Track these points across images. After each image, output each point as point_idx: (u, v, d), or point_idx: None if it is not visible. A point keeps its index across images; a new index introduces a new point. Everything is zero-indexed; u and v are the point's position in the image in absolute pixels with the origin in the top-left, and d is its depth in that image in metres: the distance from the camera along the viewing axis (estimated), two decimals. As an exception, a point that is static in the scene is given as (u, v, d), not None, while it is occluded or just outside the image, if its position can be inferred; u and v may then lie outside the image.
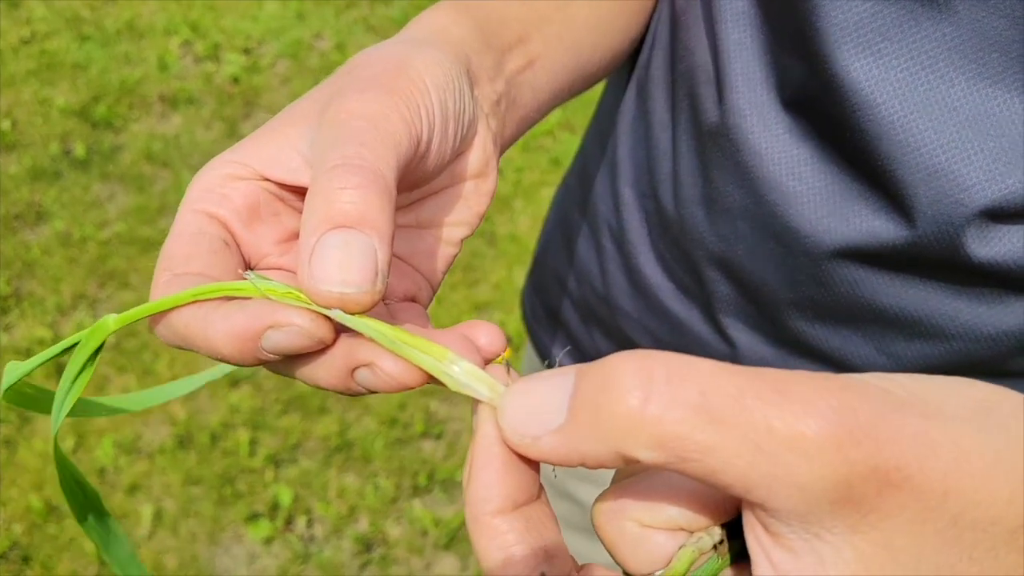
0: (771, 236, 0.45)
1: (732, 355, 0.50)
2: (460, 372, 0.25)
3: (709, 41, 0.46)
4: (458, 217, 0.35)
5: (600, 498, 0.25)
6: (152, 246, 1.81)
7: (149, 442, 1.50)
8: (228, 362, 0.28)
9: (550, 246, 0.63)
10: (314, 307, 0.26)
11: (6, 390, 0.31)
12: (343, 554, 1.39)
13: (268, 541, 1.40)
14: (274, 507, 1.44)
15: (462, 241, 0.36)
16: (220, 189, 0.31)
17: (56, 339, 1.63)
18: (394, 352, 0.26)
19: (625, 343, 0.57)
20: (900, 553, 0.20)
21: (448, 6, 0.38)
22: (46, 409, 0.33)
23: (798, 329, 0.47)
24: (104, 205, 1.90)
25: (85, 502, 0.34)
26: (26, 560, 1.35)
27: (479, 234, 1.90)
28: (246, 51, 2.31)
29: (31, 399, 0.33)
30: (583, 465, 0.22)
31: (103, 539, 0.35)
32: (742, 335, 0.50)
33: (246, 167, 0.32)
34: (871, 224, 0.42)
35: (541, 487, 0.25)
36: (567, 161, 2.04)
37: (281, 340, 0.27)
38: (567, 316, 0.61)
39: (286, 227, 0.33)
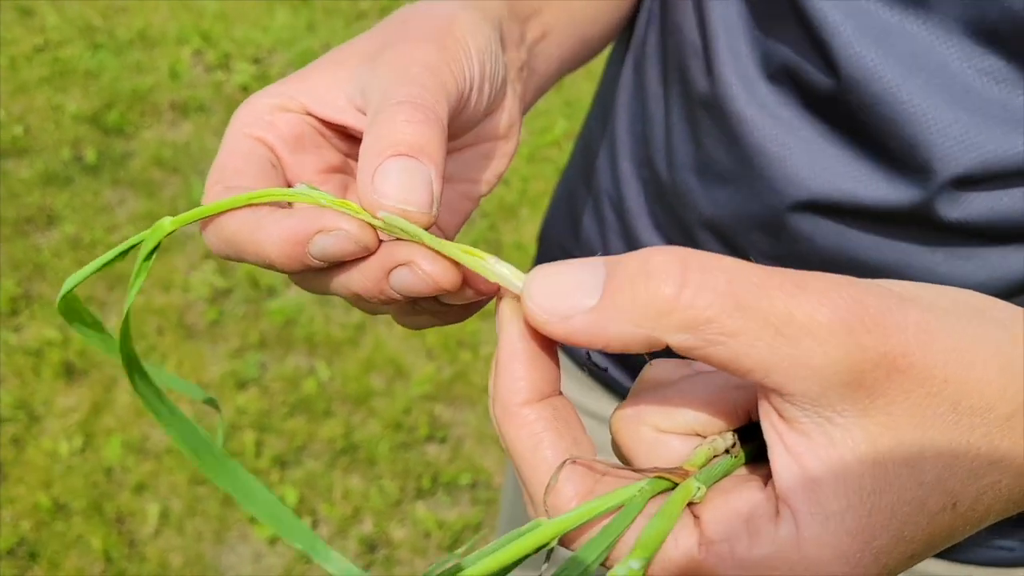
0: (755, 196, 0.47)
1: None
2: (497, 265, 0.27)
3: (696, 17, 0.48)
4: (480, 175, 0.37)
5: (619, 406, 0.27)
6: (160, 250, 1.81)
7: (156, 442, 1.52)
8: (274, 267, 0.30)
9: (555, 220, 0.65)
10: (364, 215, 0.28)
11: (61, 299, 0.32)
12: (347, 555, 1.40)
13: (273, 541, 1.40)
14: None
15: (480, 198, 0.38)
16: (267, 116, 0.33)
17: (65, 341, 1.65)
18: (435, 250, 0.28)
19: None
20: (905, 435, 0.22)
21: None
22: (92, 333, 0.33)
23: None
24: (114, 210, 1.92)
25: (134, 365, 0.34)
26: (33, 557, 1.36)
27: (484, 241, 1.91)
28: (256, 60, 2.34)
29: (79, 316, 0.33)
30: (606, 348, 0.23)
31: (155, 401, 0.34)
32: None
33: (293, 100, 0.33)
34: (852, 186, 0.44)
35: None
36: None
37: (329, 244, 0.28)
38: None
39: (327, 160, 0.35)
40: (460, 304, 0.31)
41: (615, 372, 0.61)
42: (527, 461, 0.25)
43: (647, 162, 0.54)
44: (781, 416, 0.23)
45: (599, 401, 0.63)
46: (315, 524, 1.44)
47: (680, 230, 0.53)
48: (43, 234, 1.85)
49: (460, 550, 0.26)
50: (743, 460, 0.26)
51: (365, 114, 0.32)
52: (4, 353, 1.62)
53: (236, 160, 0.32)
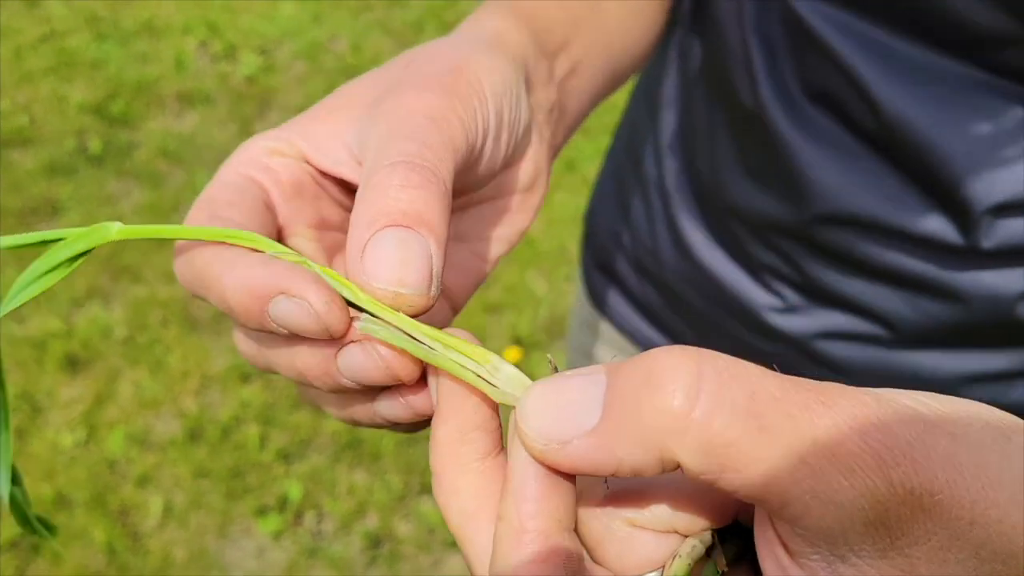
0: (790, 204, 0.47)
1: (774, 305, 0.52)
2: (505, 380, 0.23)
3: (739, 35, 0.47)
4: (498, 232, 0.33)
5: (586, 497, 0.24)
6: (164, 242, 1.81)
7: (160, 435, 1.51)
8: (234, 319, 0.26)
9: (603, 203, 0.64)
10: (354, 293, 0.25)
11: None
12: (352, 549, 1.39)
13: (277, 535, 1.40)
14: (283, 502, 1.44)
15: (498, 259, 0.33)
16: (264, 159, 0.30)
17: (69, 332, 1.64)
18: (426, 360, 0.24)
19: (672, 297, 0.58)
20: None
21: (500, 8, 0.36)
22: None
23: (830, 286, 0.49)
24: (119, 201, 1.91)
25: None
26: (35, 549, 1.35)
27: (491, 236, 1.90)
28: (262, 51, 2.33)
29: None
30: (616, 474, 0.21)
31: None
32: (782, 288, 0.51)
33: (291, 145, 0.30)
34: (888, 209, 0.44)
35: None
36: (582, 165, 2.04)
37: (288, 312, 0.24)
38: (621, 269, 0.62)
39: (323, 214, 0.31)
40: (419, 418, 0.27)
41: (650, 333, 0.60)
42: None
43: (690, 159, 0.54)
44: (786, 548, 0.21)
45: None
46: (319, 519, 1.43)
47: (718, 221, 0.53)
48: (47, 224, 1.84)
49: None
50: (725, 567, 0.23)
51: None
52: (7, 344, 1.61)
53: (228, 193, 0.29)
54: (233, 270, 0.26)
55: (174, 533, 1.39)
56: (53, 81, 2.18)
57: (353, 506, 1.44)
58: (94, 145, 2.01)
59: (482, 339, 0.25)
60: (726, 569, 0.23)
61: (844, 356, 0.50)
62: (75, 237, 0.27)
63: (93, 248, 0.27)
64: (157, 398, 1.55)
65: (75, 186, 1.92)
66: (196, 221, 0.28)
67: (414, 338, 0.24)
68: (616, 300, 0.63)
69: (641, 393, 0.20)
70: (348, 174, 0.30)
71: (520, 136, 0.32)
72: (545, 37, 0.37)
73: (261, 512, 1.42)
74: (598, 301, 0.65)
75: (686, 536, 0.23)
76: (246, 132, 2.08)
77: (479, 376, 0.23)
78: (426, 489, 1.47)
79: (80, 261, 0.28)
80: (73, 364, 1.60)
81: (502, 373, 0.23)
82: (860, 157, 0.44)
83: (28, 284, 0.28)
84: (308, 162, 0.31)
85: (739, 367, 0.20)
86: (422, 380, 0.26)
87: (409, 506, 1.45)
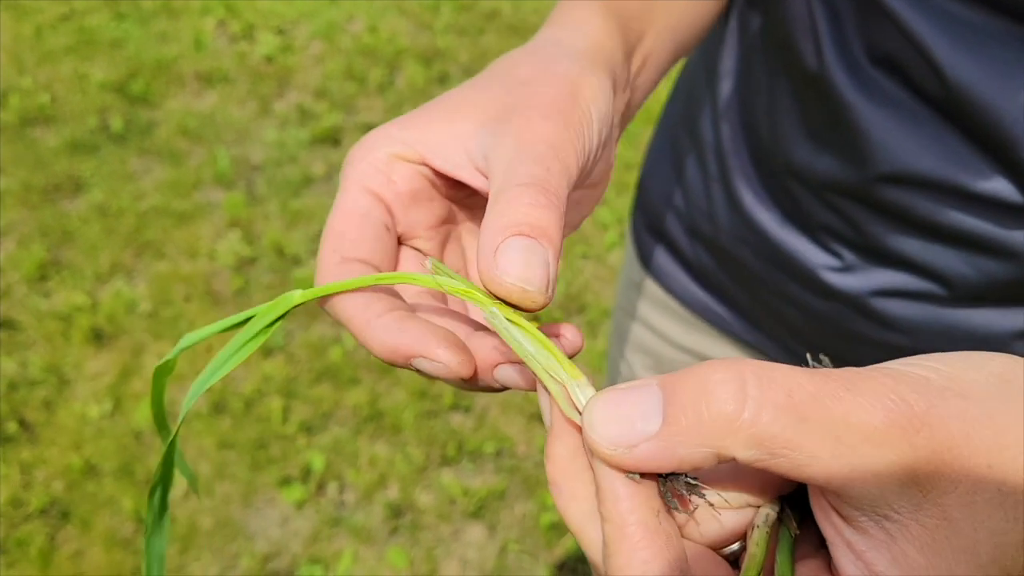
0: (851, 165, 0.48)
1: (831, 264, 0.53)
2: (582, 400, 0.26)
3: (804, 1, 0.48)
4: (567, 220, 0.37)
5: None
6: (186, 219, 1.84)
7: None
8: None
9: (656, 167, 0.65)
10: (481, 297, 0.29)
11: (170, 358, 0.32)
12: (374, 519, 1.42)
13: (300, 505, 1.42)
14: (306, 472, 1.46)
15: (563, 240, 0.38)
16: (387, 170, 0.34)
17: (94, 306, 1.67)
18: (526, 362, 0.28)
19: (725, 258, 0.60)
20: (958, 523, 0.23)
21: (594, 6, 0.39)
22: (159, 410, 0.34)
23: (888, 245, 0.51)
24: (140, 178, 1.93)
25: (162, 479, 0.35)
26: (65, 516, 1.38)
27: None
28: (279, 31, 2.34)
29: (159, 389, 0.33)
30: (677, 469, 0.24)
31: (153, 523, 0.35)
32: (840, 247, 0.53)
33: (412, 149, 0.34)
34: (952, 170, 0.45)
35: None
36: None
37: (427, 368, 0.30)
38: (672, 230, 0.63)
39: (436, 213, 0.35)
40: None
41: (718, 308, 0.62)
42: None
43: (749, 123, 0.55)
44: (840, 514, 0.25)
45: (694, 335, 0.65)
46: (341, 489, 1.46)
47: (776, 183, 0.54)
48: (71, 201, 1.87)
49: None
50: (796, 529, 0.27)
51: (484, 175, 0.32)
52: (34, 318, 1.64)
53: (352, 228, 0.32)
54: (375, 332, 0.30)
55: (200, 502, 1.42)
56: (74, 60, 2.20)
57: (375, 477, 1.47)
58: (115, 123, 2.03)
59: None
60: (798, 531, 0.27)
61: (900, 313, 0.52)
62: (264, 312, 0.32)
63: (284, 315, 0.32)
64: (181, 371, 1.58)
65: (97, 163, 1.95)
66: (330, 263, 0.32)
67: (521, 343, 0.28)
68: (666, 261, 0.64)
69: (698, 402, 0.23)
70: (466, 177, 0.34)
71: (608, 146, 0.36)
72: (627, 34, 0.40)
73: (284, 482, 1.45)
74: (648, 262, 0.66)
75: (758, 507, 0.27)
76: (265, 111, 2.10)
77: (566, 391, 0.27)
78: (446, 461, 1.50)
79: (274, 328, 0.32)
80: (99, 338, 1.62)
81: (583, 393, 0.26)
82: (922, 119, 0.45)
83: (229, 357, 0.32)
84: (426, 163, 0.34)
85: (775, 371, 0.23)
86: None
87: (430, 477, 1.48)
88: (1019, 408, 0.24)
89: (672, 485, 0.25)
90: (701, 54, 0.60)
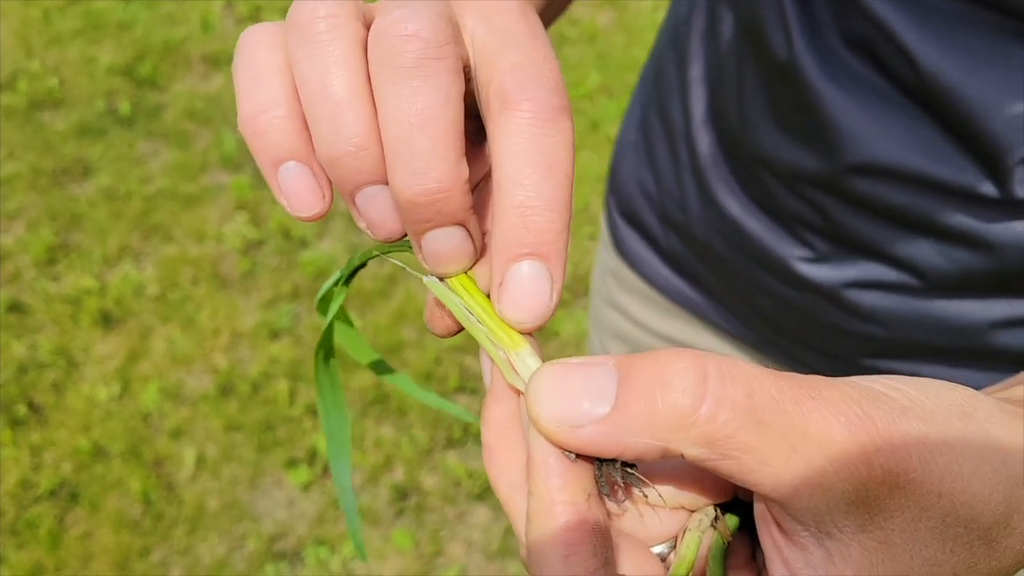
0: (820, 155, 0.47)
1: (803, 254, 0.53)
2: (524, 368, 0.25)
3: None
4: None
5: None
6: (193, 202, 1.84)
7: (192, 389, 1.54)
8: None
9: (628, 153, 0.65)
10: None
11: (320, 299, 0.33)
12: (379, 501, 1.43)
13: (307, 487, 1.43)
14: (313, 454, 1.47)
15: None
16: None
17: (102, 289, 1.68)
18: (465, 326, 0.27)
19: (698, 246, 0.59)
20: (898, 549, 0.23)
21: None
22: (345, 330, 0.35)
23: (861, 236, 0.50)
24: (148, 161, 1.94)
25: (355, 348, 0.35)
26: (74, 497, 1.40)
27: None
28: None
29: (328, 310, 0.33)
30: (619, 456, 0.23)
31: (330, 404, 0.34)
32: (812, 238, 0.52)
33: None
34: (921, 161, 0.44)
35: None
36: (606, 125, 2.04)
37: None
38: (646, 218, 0.63)
39: None
40: None
41: (694, 295, 0.61)
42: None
43: (718, 112, 0.54)
44: (780, 527, 0.23)
45: (671, 322, 0.64)
46: (347, 471, 1.46)
47: (747, 173, 0.54)
48: (79, 185, 1.87)
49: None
50: (728, 538, 0.26)
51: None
52: (43, 301, 1.65)
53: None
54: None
55: (207, 484, 1.43)
56: (81, 43, 2.20)
57: (380, 459, 1.47)
58: (123, 106, 2.04)
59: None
60: (730, 539, 0.26)
61: (873, 304, 0.51)
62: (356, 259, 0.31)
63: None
64: (189, 354, 1.59)
65: (105, 146, 1.95)
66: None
67: (461, 308, 0.26)
68: (640, 248, 0.64)
69: (653, 391, 0.22)
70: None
71: None
72: None
73: (291, 464, 1.45)
74: (622, 248, 0.66)
75: (692, 511, 0.26)
76: (272, 93, 2.10)
77: (505, 359, 0.25)
78: (451, 444, 1.50)
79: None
80: (107, 320, 1.63)
81: (525, 362, 0.25)
82: (894, 107, 0.44)
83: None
84: None
85: (739, 368, 0.22)
86: None
87: (435, 460, 1.48)
88: (975, 442, 0.23)
89: (608, 471, 0.24)
90: (671, 35, 0.59)
